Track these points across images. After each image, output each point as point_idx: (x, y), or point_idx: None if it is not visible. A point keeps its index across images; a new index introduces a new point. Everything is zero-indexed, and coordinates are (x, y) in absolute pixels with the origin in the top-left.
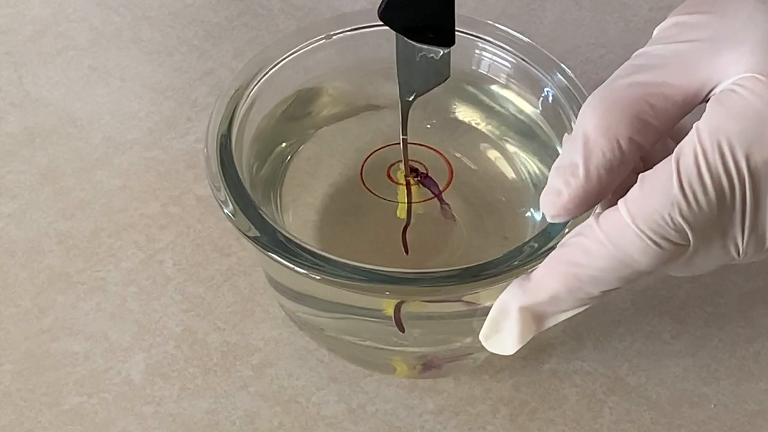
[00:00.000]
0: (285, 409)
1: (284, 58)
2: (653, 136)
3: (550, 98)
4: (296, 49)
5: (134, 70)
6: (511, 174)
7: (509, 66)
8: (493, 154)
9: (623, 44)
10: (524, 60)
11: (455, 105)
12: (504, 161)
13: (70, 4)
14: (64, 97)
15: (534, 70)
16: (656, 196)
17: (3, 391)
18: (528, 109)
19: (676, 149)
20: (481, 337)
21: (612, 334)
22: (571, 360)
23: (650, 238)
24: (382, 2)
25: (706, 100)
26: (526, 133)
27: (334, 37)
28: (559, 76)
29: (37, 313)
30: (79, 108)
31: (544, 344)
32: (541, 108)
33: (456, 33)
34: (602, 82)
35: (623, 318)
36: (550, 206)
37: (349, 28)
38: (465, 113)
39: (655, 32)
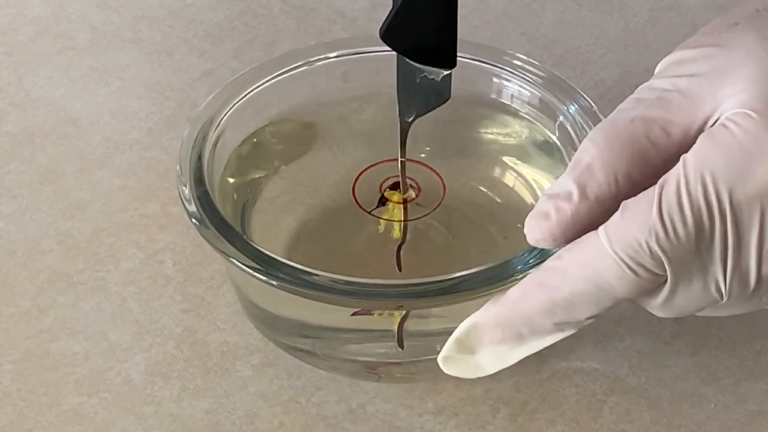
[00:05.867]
0: (285, 409)
1: (260, 85)
2: (651, 171)
3: (568, 125)
4: (272, 76)
5: (134, 70)
6: (525, 192)
7: (528, 95)
8: (497, 173)
9: (623, 44)
10: (543, 88)
11: (463, 128)
12: (515, 182)
13: (70, 4)
14: (64, 97)
15: (551, 98)
16: (635, 222)
17: (3, 391)
18: (542, 132)
19: (661, 179)
20: (439, 359)
21: (612, 334)
22: (571, 360)
23: (627, 264)
24: (384, 23)
25: None
26: (536, 149)
27: (316, 64)
28: (576, 105)
29: (37, 313)
30: (79, 108)
31: None
32: (557, 133)
33: (475, 62)
34: (602, 83)
35: (623, 318)
36: (535, 229)
37: (334, 55)
38: (471, 135)
39: (658, 67)
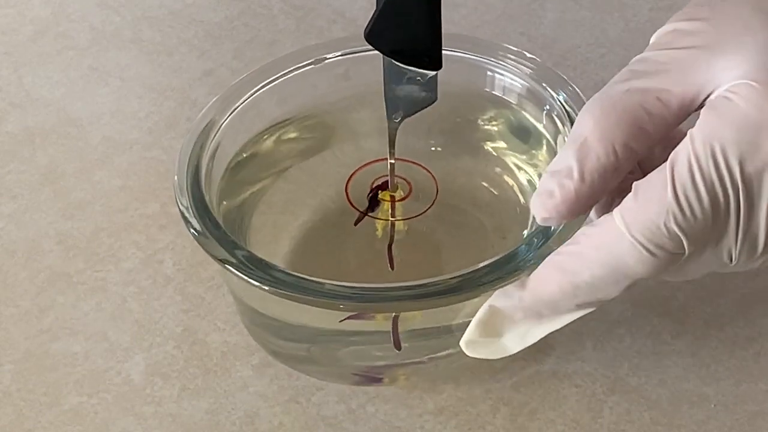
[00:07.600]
0: (285, 409)
1: (260, 88)
2: (648, 142)
3: (554, 113)
4: (271, 79)
5: (134, 70)
6: (519, 186)
7: (520, 86)
8: (492, 168)
9: (623, 44)
10: (534, 79)
11: (458, 124)
12: (510, 176)
13: (70, 4)
14: (64, 97)
15: (541, 88)
16: (651, 204)
17: (3, 391)
18: (532, 120)
19: (670, 157)
20: (462, 343)
21: (612, 334)
22: (571, 360)
23: (645, 247)
24: (368, 24)
25: (701, 107)
26: (523, 139)
27: (320, 64)
28: (564, 93)
29: (37, 313)
30: (79, 108)
31: (544, 344)
32: (545, 121)
33: (469, 56)
34: (602, 83)
35: (623, 318)
36: (541, 208)
37: (323, 56)
38: (467, 131)
39: (652, 38)
